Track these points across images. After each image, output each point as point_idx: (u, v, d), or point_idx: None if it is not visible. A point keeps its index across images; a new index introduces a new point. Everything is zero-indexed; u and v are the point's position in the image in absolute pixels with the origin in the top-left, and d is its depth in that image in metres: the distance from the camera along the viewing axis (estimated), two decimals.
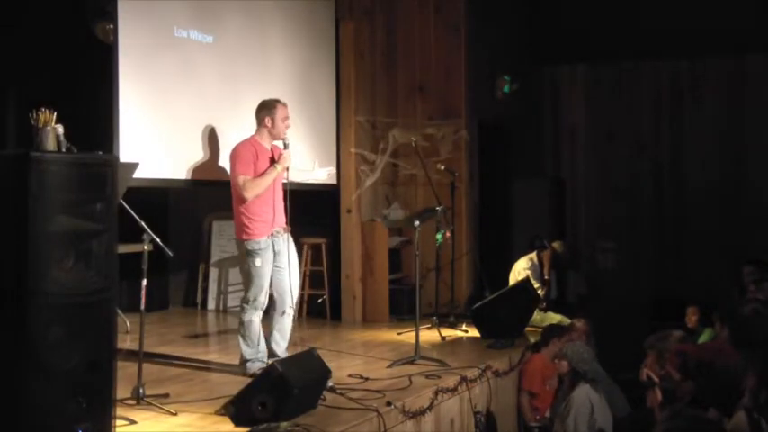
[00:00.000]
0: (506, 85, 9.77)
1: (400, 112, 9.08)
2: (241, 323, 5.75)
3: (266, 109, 5.88)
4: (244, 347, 5.73)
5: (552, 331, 7.13)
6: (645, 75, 10.92)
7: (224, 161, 6.94)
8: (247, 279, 5.74)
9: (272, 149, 5.87)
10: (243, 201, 5.69)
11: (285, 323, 5.86)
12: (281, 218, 5.81)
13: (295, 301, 5.89)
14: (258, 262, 5.66)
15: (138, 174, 4.95)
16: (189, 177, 6.63)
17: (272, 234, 5.72)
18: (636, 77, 10.96)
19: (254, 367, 5.64)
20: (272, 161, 5.79)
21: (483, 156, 9.38)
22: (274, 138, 5.86)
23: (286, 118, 5.89)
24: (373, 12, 8.80)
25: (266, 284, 5.72)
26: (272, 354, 5.79)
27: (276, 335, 5.84)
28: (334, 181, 7.97)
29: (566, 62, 11.12)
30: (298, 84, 7.89)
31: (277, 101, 5.94)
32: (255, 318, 5.73)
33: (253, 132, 5.94)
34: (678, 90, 10.78)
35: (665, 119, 10.85)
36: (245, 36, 7.28)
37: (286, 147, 5.86)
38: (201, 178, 6.76)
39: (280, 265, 5.79)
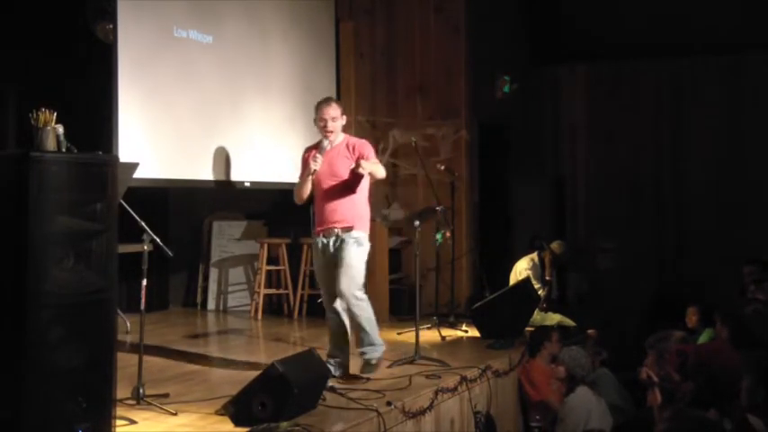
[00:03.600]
0: (506, 85, 9.77)
1: (400, 112, 9.08)
2: None
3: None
4: None
5: (540, 336, 7.17)
6: (645, 74, 10.91)
7: (223, 161, 6.96)
8: None
9: (330, 150, 5.70)
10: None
11: (331, 321, 5.78)
12: (334, 218, 5.61)
13: (343, 301, 5.61)
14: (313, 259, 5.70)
15: (138, 174, 4.95)
16: (189, 177, 6.63)
17: (322, 234, 5.64)
18: (636, 77, 10.95)
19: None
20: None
21: (483, 156, 9.39)
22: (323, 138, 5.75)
23: (322, 118, 5.70)
24: (373, 12, 8.80)
25: (321, 285, 5.76)
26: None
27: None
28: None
29: (566, 62, 11.12)
30: (298, 84, 7.90)
31: (322, 99, 5.82)
32: (327, 316, 5.77)
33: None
34: (678, 90, 10.78)
35: (665, 119, 10.85)
36: (244, 36, 7.29)
37: (320, 152, 5.66)
38: (201, 178, 6.77)
39: (331, 266, 5.64)
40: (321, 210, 5.69)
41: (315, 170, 5.62)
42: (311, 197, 5.79)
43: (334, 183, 5.66)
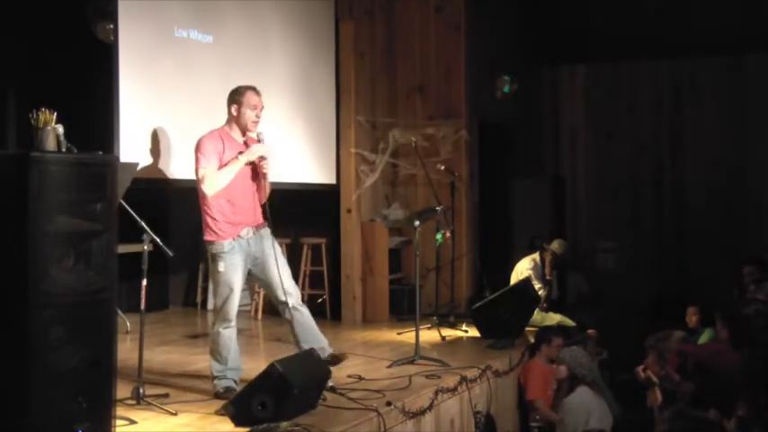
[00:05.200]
0: (506, 85, 9.77)
1: (400, 112, 9.08)
2: (210, 334, 5.32)
3: (234, 95, 5.26)
4: (212, 362, 5.25)
5: (543, 336, 7.17)
6: (645, 75, 10.91)
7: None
8: (213, 286, 5.28)
9: (246, 143, 5.29)
10: (205, 197, 5.16)
11: (297, 319, 5.33)
12: (252, 217, 5.27)
13: (291, 292, 5.30)
14: (221, 267, 5.13)
15: (138, 174, 4.95)
16: (189, 177, 6.62)
17: (239, 236, 5.19)
18: (636, 77, 10.95)
19: (221, 385, 5.19)
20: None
21: (483, 156, 9.39)
22: (242, 129, 5.26)
23: (255, 107, 5.25)
24: (373, 12, 8.80)
25: (232, 293, 5.18)
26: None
27: (298, 335, 5.36)
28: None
29: (566, 62, 11.12)
30: (298, 84, 7.90)
31: (248, 87, 5.30)
32: (223, 330, 5.20)
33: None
34: (678, 90, 10.78)
35: (665, 119, 10.85)
36: (245, 36, 7.29)
37: (260, 140, 5.27)
38: None
39: (260, 265, 5.29)
40: (238, 208, 5.21)
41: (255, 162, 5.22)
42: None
43: (250, 179, 5.27)
